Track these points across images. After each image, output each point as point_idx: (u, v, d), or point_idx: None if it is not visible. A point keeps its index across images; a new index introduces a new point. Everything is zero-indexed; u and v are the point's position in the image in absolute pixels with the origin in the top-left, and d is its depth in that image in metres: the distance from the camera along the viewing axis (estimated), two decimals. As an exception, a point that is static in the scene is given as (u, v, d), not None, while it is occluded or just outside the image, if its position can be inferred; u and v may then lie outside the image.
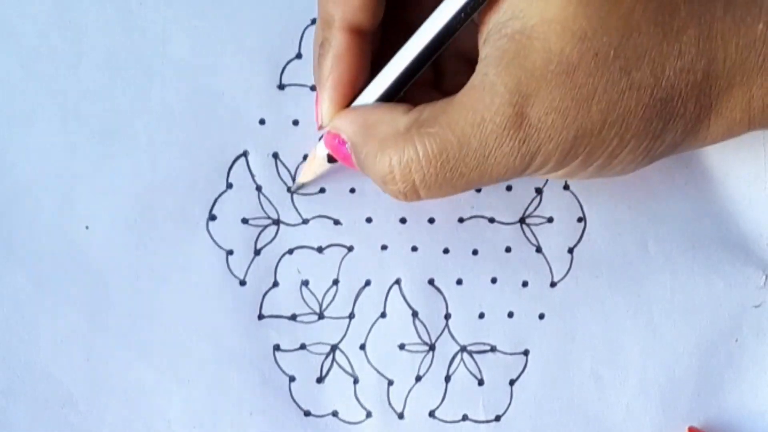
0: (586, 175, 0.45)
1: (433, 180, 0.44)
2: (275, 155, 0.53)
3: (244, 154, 0.52)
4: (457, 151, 0.43)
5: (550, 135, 0.42)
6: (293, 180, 0.53)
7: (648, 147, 0.44)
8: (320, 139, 0.49)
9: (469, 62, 0.46)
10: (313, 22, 0.52)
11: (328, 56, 0.47)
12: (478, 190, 0.53)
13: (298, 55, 0.53)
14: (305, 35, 0.53)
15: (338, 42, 0.46)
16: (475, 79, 0.43)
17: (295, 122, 0.53)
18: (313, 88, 0.53)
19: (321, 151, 0.50)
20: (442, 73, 0.50)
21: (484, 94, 0.43)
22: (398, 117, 0.45)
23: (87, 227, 0.52)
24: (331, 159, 0.50)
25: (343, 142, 0.47)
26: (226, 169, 0.52)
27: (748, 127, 0.45)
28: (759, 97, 0.44)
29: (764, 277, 0.53)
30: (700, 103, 0.43)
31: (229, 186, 0.52)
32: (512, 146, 0.43)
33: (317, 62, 0.48)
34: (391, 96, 0.47)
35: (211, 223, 0.52)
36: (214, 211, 0.52)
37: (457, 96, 0.44)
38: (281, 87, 0.53)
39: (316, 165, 0.51)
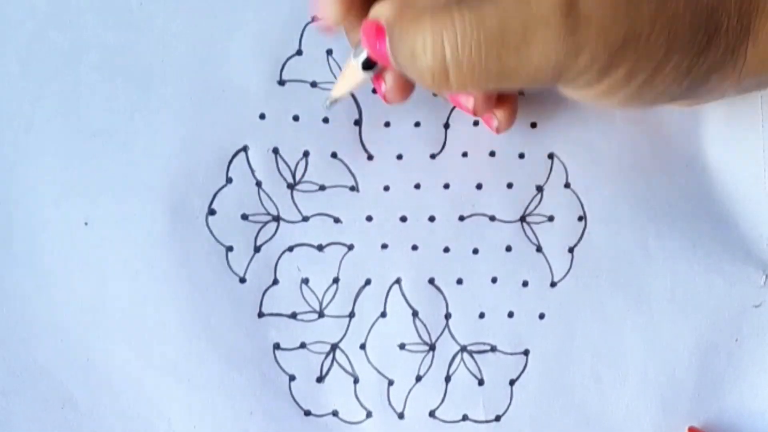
0: (626, 94, 0.43)
1: (466, 56, 0.41)
2: (275, 151, 0.53)
3: (244, 149, 0.52)
4: (496, 28, 0.40)
5: (598, 31, 0.40)
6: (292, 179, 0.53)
7: (690, 65, 0.42)
8: (354, 50, 0.47)
9: None
10: (314, 19, 0.52)
11: None
12: (478, 186, 0.53)
13: (299, 52, 0.52)
14: (306, 31, 0.53)
15: None
16: None
17: (296, 118, 0.53)
18: (313, 84, 0.53)
19: (355, 59, 0.47)
20: None
21: None
22: None
23: (86, 223, 0.52)
24: (365, 66, 0.46)
25: (381, 32, 0.43)
26: (226, 164, 0.52)
27: None
28: None
29: (764, 276, 0.53)
30: (741, 22, 0.42)
31: (229, 180, 0.52)
32: (558, 34, 0.40)
33: None
34: None
35: (210, 218, 0.52)
36: (214, 206, 0.52)
37: None
38: (281, 83, 0.53)
39: (350, 76, 0.48)
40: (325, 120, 0.53)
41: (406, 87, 0.48)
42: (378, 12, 0.43)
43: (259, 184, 0.53)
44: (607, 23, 0.40)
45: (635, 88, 0.43)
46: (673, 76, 0.42)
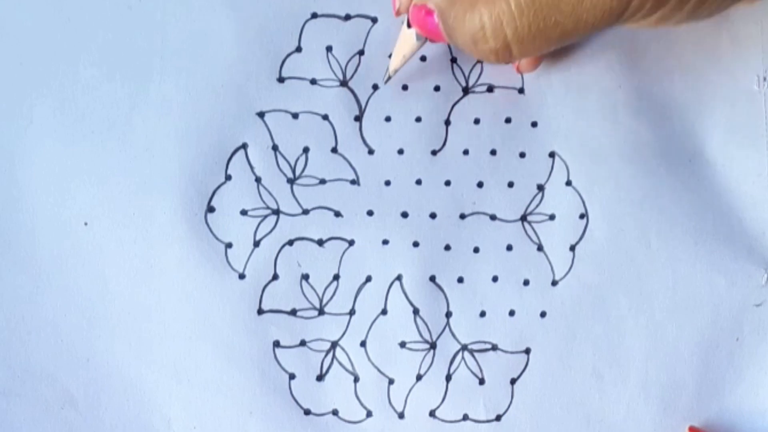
0: (682, 16, 0.44)
1: (526, 32, 0.42)
2: (275, 148, 0.52)
3: (243, 146, 0.52)
4: None
5: None
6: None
7: None
8: (406, 21, 0.48)
9: None
10: (313, 16, 0.52)
11: None
12: (479, 184, 0.53)
13: (298, 49, 0.52)
14: (305, 29, 0.52)
15: None
16: None
17: (295, 115, 0.52)
18: (313, 81, 0.52)
19: (409, 29, 0.48)
20: None
21: None
22: None
23: (86, 223, 0.52)
24: (420, 37, 0.48)
25: (430, 13, 0.46)
26: (225, 161, 0.52)
27: None
28: None
29: (766, 275, 0.53)
30: None
31: (228, 178, 0.52)
32: None
33: None
34: None
35: (209, 215, 0.52)
36: (213, 203, 0.52)
37: None
38: (281, 80, 0.52)
39: (406, 47, 0.50)
40: (325, 117, 0.53)
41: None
42: None
43: (258, 179, 0.52)
44: None
45: (690, 9, 0.43)
46: None
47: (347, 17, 0.53)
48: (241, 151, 0.52)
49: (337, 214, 0.53)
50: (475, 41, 0.44)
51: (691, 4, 0.43)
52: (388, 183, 0.53)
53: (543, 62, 0.52)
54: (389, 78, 0.52)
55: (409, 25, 0.48)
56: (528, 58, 0.51)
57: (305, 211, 0.53)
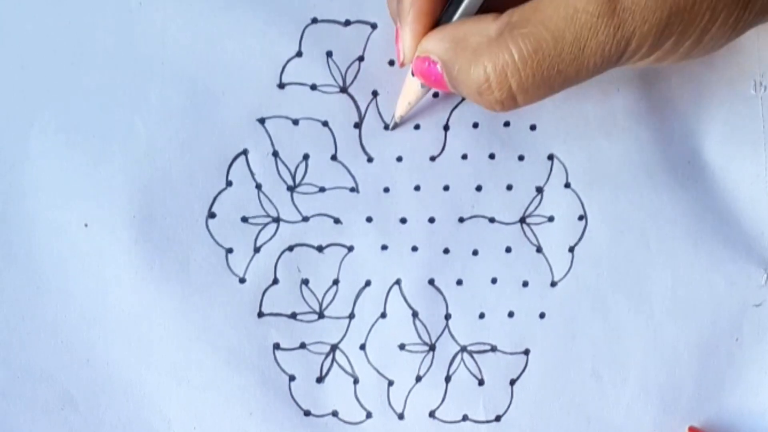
0: (677, 57, 0.45)
1: (530, 82, 0.44)
2: (275, 154, 0.53)
3: (244, 152, 0.52)
4: (552, 47, 0.43)
5: (644, 17, 0.42)
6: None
7: (737, 18, 0.44)
8: (411, 70, 0.49)
9: None
10: (313, 21, 0.52)
11: None
12: (478, 187, 0.53)
13: (299, 54, 0.53)
14: (305, 34, 0.53)
15: None
16: None
17: (295, 122, 0.53)
18: (313, 87, 0.53)
19: (413, 78, 0.49)
20: None
21: None
22: (487, 25, 0.44)
23: (86, 225, 0.52)
24: (425, 84, 0.49)
25: (433, 64, 0.47)
26: (226, 167, 0.52)
27: None
28: None
29: (765, 275, 0.53)
30: None
31: (229, 184, 0.52)
32: (607, 33, 0.42)
33: None
34: (471, 13, 0.46)
35: (210, 221, 0.52)
36: (214, 209, 0.52)
37: None
38: (281, 86, 0.53)
39: (410, 94, 0.51)
40: (325, 123, 0.53)
41: None
42: (428, 48, 0.46)
43: (259, 186, 0.53)
44: (651, 7, 0.42)
45: (685, 51, 0.45)
46: (721, 32, 0.44)
47: (347, 23, 0.53)
48: (242, 158, 0.52)
49: (337, 221, 0.53)
50: (480, 92, 0.45)
51: (686, 46, 0.44)
52: (386, 190, 0.53)
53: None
54: (396, 125, 0.53)
55: (413, 74, 0.49)
56: None
57: (305, 219, 0.53)
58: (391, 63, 0.53)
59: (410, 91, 0.50)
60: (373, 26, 0.53)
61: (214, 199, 0.52)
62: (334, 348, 0.53)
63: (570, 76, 0.44)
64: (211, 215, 0.52)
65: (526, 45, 0.43)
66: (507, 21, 0.44)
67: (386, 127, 0.53)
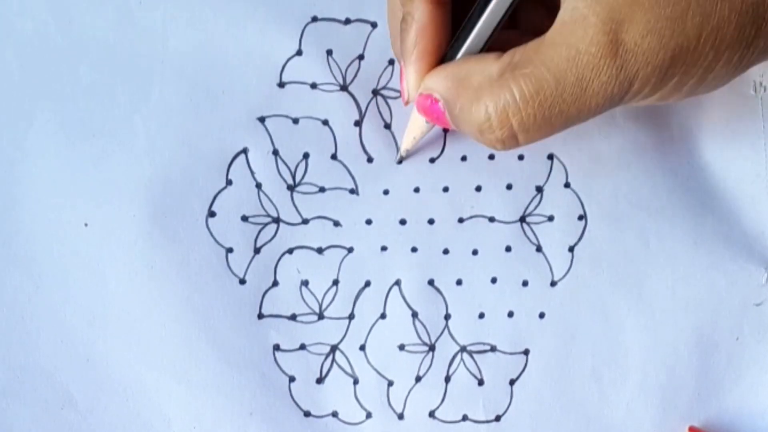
0: (680, 96, 0.45)
1: (531, 122, 0.44)
2: (275, 153, 0.53)
3: (244, 151, 0.52)
4: (554, 88, 0.43)
5: (647, 58, 0.42)
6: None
7: (741, 57, 0.43)
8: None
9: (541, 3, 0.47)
10: (313, 19, 0.52)
11: (412, 29, 0.47)
12: (477, 188, 0.53)
13: (299, 53, 0.53)
14: (305, 32, 0.53)
15: (421, 14, 0.46)
16: (564, 14, 0.43)
17: (295, 120, 0.53)
18: (313, 86, 0.53)
19: (418, 115, 0.50)
20: (516, 20, 0.50)
21: (576, 27, 0.42)
22: (489, 65, 0.45)
23: (86, 224, 0.52)
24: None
25: (435, 102, 0.47)
26: (226, 166, 0.52)
27: None
28: None
29: (766, 274, 0.53)
30: None
31: (229, 182, 0.52)
32: (610, 75, 0.42)
33: (400, 36, 0.47)
34: (474, 51, 0.47)
35: (210, 220, 0.52)
36: (214, 208, 0.52)
37: (548, 34, 0.43)
38: (281, 85, 0.53)
39: (416, 129, 0.51)
40: (325, 122, 0.53)
41: None
42: (431, 86, 0.47)
43: (259, 185, 0.53)
44: (654, 47, 0.42)
45: (688, 90, 0.44)
46: (724, 71, 0.44)
47: (347, 21, 0.53)
48: (242, 156, 0.53)
49: (336, 223, 0.53)
50: (482, 131, 0.45)
51: (689, 85, 0.44)
52: (386, 192, 0.53)
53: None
54: (401, 159, 0.53)
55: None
56: None
57: (305, 221, 0.53)
58: (391, 62, 0.53)
59: (415, 126, 0.51)
60: (374, 25, 0.53)
61: (214, 197, 0.52)
62: (333, 349, 0.53)
63: (572, 116, 0.44)
64: (211, 214, 0.52)
65: (528, 86, 0.43)
66: (509, 61, 0.44)
67: (399, 162, 0.53)
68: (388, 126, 0.53)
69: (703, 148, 0.53)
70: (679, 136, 0.53)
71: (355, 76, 0.53)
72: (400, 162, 0.53)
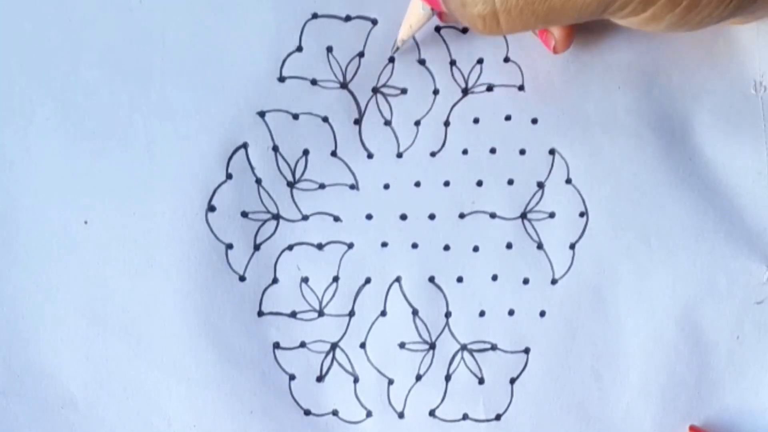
0: (671, 20, 0.44)
1: (514, 4, 0.44)
2: (275, 148, 0.53)
3: (244, 145, 0.52)
4: None
5: None
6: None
7: None
8: None
9: None
10: (314, 16, 0.52)
11: None
12: (479, 182, 0.53)
13: (299, 48, 0.52)
14: (306, 28, 0.53)
15: None
16: None
17: (295, 116, 0.53)
18: (313, 82, 0.53)
19: (416, 1, 0.50)
20: None
21: None
22: None
23: (86, 222, 0.52)
24: (426, 7, 0.50)
25: None
26: (226, 160, 0.52)
27: None
28: None
29: (767, 273, 0.53)
30: None
31: (229, 176, 0.52)
32: None
33: None
34: None
35: (210, 215, 0.52)
36: (213, 202, 0.52)
37: None
38: (281, 79, 0.53)
39: (413, 17, 0.51)
40: (325, 119, 0.53)
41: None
42: None
43: (258, 181, 0.52)
44: None
45: (680, 13, 0.44)
46: (707, 11, 0.44)
47: (348, 18, 0.53)
48: (242, 151, 0.52)
49: (336, 219, 0.53)
50: (464, 3, 0.45)
51: (681, 8, 0.43)
52: (386, 186, 0.53)
53: (553, 55, 0.52)
54: (397, 49, 0.53)
55: None
56: (560, 36, 0.51)
57: (305, 217, 0.53)
58: (392, 60, 0.53)
59: (413, 13, 0.51)
60: (374, 22, 0.53)
61: (214, 191, 0.52)
62: (334, 347, 0.53)
63: (555, 6, 0.43)
64: (211, 208, 0.52)
65: None
66: None
67: (394, 53, 0.53)
68: (388, 123, 0.53)
69: (705, 146, 0.53)
70: (681, 134, 0.53)
71: (355, 73, 0.53)
72: (394, 52, 0.53)
